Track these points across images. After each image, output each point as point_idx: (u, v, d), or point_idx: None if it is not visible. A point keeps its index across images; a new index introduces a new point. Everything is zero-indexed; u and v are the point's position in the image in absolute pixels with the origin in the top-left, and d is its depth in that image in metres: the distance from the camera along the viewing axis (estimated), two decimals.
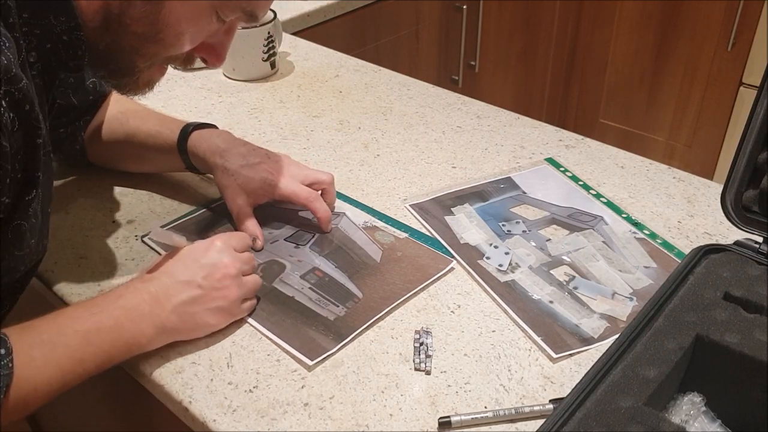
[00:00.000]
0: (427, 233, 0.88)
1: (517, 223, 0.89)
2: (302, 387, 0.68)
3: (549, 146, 1.06)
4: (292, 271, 0.81)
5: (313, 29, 1.60)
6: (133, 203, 0.93)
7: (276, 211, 0.90)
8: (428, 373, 0.69)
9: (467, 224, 0.89)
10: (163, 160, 0.93)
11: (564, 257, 0.83)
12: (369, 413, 0.65)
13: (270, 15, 1.24)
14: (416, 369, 0.69)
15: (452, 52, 2.10)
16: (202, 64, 0.75)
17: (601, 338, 0.72)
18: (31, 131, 0.59)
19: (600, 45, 2.42)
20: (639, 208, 0.92)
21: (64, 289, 0.79)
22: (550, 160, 1.02)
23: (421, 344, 0.71)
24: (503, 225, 0.89)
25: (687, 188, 0.96)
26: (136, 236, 0.87)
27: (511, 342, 0.72)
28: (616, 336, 0.65)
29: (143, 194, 0.95)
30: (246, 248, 0.76)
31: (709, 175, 2.30)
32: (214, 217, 0.90)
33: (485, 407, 0.65)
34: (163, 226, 0.88)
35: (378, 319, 0.75)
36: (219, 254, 0.71)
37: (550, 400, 0.65)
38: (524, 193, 0.95)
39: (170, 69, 0.75)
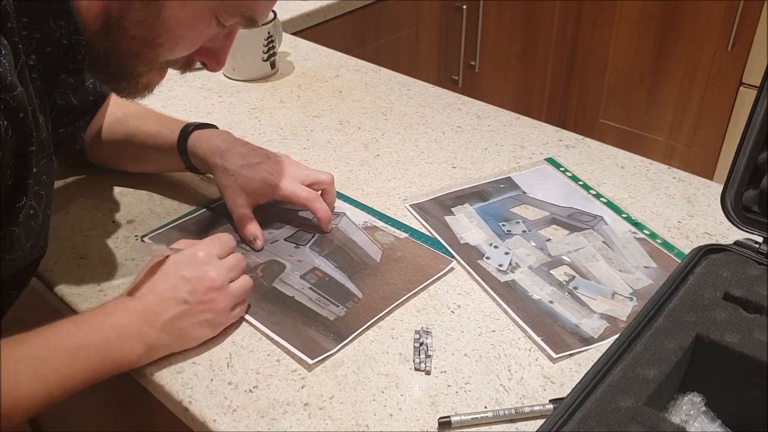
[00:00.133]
0: (427, 233, 0.88)
1: (517, 223, 0.89)
2: (302, 387, 0.68)
3: (549, 146, 1.06)
4: (292, 271, 0.81)
5: (313, 29, 1.60)
6: (133, 203, 0.93)
7: (276, 211, 0.90)
8: (428, 373, 0.69)
9: (467, 224, 0.89)
10: (163, 160, 0.93)
11: (564, 257, 0.83)
12: (369, 413, 0.65)
13: (270, 15, 1.24)
14: (416, 369, 0.69)
15: (452, 52, 2.10)
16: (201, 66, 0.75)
17: (601, 338, 0.72)
18: (24, 139, 0.59)
19: (600, 45, 2.42)
20: (639, 208, 0.92)
21: (64, 289, 0.79)
22: (550, 160, 1.02)
23: (421, 344, 0.71)
24: (503, 225, 0.89)
25: (687, 188, 0.96)
26: (136, 236, 0.87)
27: (511, 342, 0.73)
28: (616, 336, 0.65)
29: (143, 194, 0.95)
30: (230, 251, 0.74)
31: (709, 175, 2.30)
32: (214, 217, 0.90)
33: (485, 407, 0.65)
34: (161, 227, 0.88)
35: (378, 319, 0.75)
36: (203, 266, 0.70)
37: (550, 400, 0.65)
38: (524, 193, 0.95)
39: (172, 69, 0.75)
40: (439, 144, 1.07)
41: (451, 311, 0.76)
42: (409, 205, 0.93)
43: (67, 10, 0.63)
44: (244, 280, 0.73)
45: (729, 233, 0.86)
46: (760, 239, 0.72)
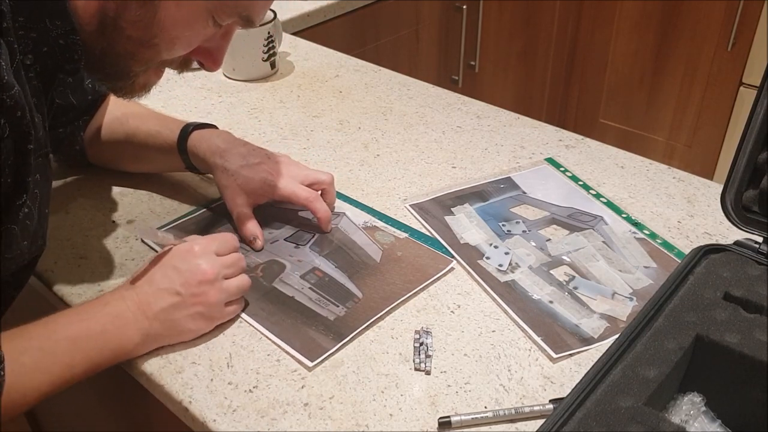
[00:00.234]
0: (427, 233, 0.88)
1: (517, 223, 0.89)
2: (302, 387, 0.68)
3: (549, 146, 1.06)
4: (292, 271, 0.81)
5: (313, 29, 1.60)
6: (133, 203, 0.93)
7: (276, 211, 0.90)
8: (428, 373, 0.69)
9: (467, 224, 0.89)
10: (163, 160, 0.93)
11: (564, 257, 0.83)
12: (369, 413, 0.65)
13: (270, 15, 1.24)
14: (416, 369, 0.69)
15: (452, 52, 2.10)
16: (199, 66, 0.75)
17: (601, 338, 0.72)
18: (22, 137, 0.59)
19: (600, 45, 2.42)
20: (639, 208, 0.92)
21: (64, 289, 0.79)
22: (550, 160, 1.02)
23: (421, 344, 0.71)
24: (503, 225, 0.89)
25: (687, 188, 0.96)
26: (136, 236, 0.87)
27: (511, 342, 0.72)
28: (616, 336, 0.65)
29: (143, 194, 0.95)
30: (231, 250, 0.74)
31: (709, 175, 2.30)
32: (214, 217, 0.90)
33: (485, 407, 0.65)
34: (161, 227, 0.88)
35: (378, 319, 0.75)
36: (197, 259, 0.70)
37: (550, 400, 0.65)
38: (524, 193, 0.95)
39: (169, 69, 0.75)
40: (439, 144, 1.07)
41: (451, 311, 0.76)
42: (409, 205, 0.93)
43: (63, 10, 0.63)
44: (241, 279, 0.73)
45: (729, 233, 0.86)
46: (760, 239, 0.72)
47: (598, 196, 0.94)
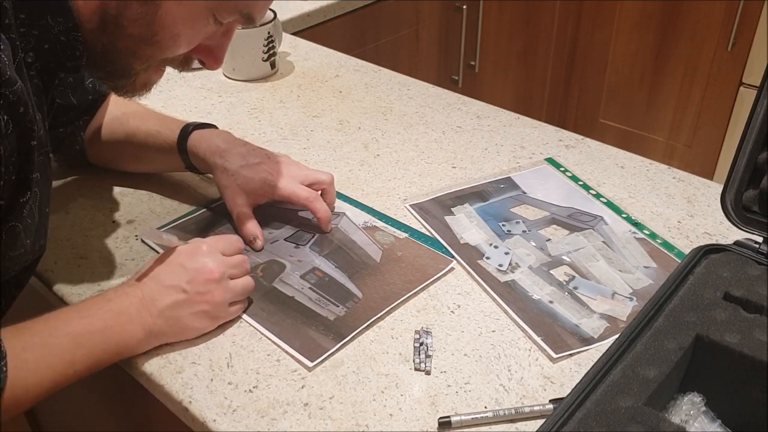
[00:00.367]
0: (427, 233, 0.88)
1: (517, 223, 0.89)
2: (302, 387, 0.68)
3: (549, 146, 1.06)
4: (292, 271, 0.81)
5: (313, 29, 1.60)
6: (133, 203, 0.93)
7: (276, 211, 0.90)
8: (428, 373, 0.69)
9: (467, 224, 0.89)
10: (163, 160, 0.93)
11: (564, 257, 0.83)
12: (369, 413, 0.65)
13: (270, 15, 1.24)
14: (416, 369, 0.69)
15: (452, 52, 2.10)
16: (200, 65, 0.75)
17: (601, 338, 0.72)
18: (25, 133, 0.59)
19: (600, 45, 2.42)
20: (639, 208, 0.92)
21: (64, 289, 0.79)
22: (550, 160, 1.02)
23: (421, 344, 0.71)
24: (503, 225, 0.89)
25: (687, 188, 0.96)
26: (136, 236, 0.87)
27: (511, 342, 0.72)
28: (616, 336, 0.65)
29: (143, 194, 0.95)
30: (236, 251, 0.75)
31: (709, 175, 2.30)
32: (214, 217, 0.90)
33: (485, 407, 0.65)
34: (161, 227, 0.88)
35: (378, 319, 0.75)
36: (204, 258, 0.71)
37: (550, 400, 0.65)
38: (524, 193, 0.95)
39: (169, 68, 0.75)
40: (439, 144, 1.07)
41: (451, 311, 0.76)
42: (409, 205, 0.93)
43: (64, 8, 0.63)
44: (246, 280, 0.74)
45: (729, 233, 0.86)
46: (760, 239, 0.72)
47: (598, 196, 0.94)
